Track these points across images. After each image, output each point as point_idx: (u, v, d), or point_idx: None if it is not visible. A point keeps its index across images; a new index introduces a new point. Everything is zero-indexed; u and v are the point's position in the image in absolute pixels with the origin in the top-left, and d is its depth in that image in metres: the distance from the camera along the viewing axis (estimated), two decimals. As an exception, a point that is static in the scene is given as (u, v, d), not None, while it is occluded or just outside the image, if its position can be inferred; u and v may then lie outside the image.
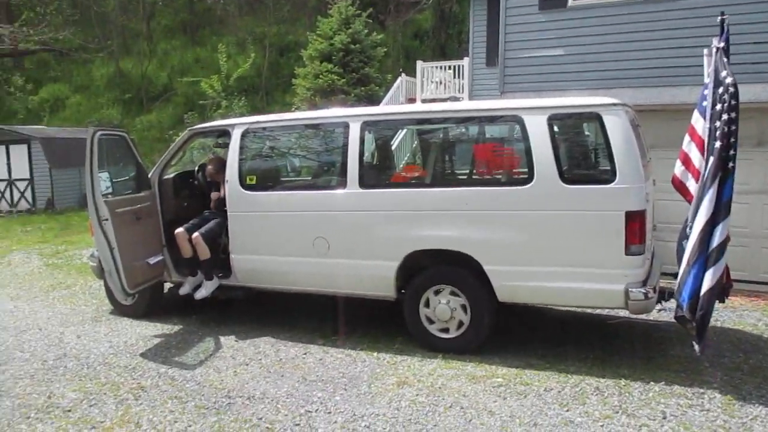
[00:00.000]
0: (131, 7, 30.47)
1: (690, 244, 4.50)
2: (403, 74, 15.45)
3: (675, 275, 5.63)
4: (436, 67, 15.40)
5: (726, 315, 6.56)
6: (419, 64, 15.16)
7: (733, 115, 4.37)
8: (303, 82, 16.58)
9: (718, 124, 4.44)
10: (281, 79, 24.70)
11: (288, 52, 26.79)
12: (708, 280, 4.36)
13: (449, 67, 15.10)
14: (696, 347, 4.55)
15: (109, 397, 4.63)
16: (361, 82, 16.17)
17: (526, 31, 8.92)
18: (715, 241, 4.38)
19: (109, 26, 29.67)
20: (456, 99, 14.30)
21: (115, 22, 29.30)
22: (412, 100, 15.09)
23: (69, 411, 4.41)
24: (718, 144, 4.39)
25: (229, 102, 20.06)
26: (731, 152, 4.36)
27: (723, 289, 5.32)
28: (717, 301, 5.43)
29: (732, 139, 4.37)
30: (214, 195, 6.60)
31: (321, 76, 15.86)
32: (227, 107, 19.76)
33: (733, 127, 4.38)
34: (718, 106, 4.48)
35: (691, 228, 4.55)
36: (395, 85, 15.22)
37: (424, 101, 14.48)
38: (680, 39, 7.90)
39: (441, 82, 15.05)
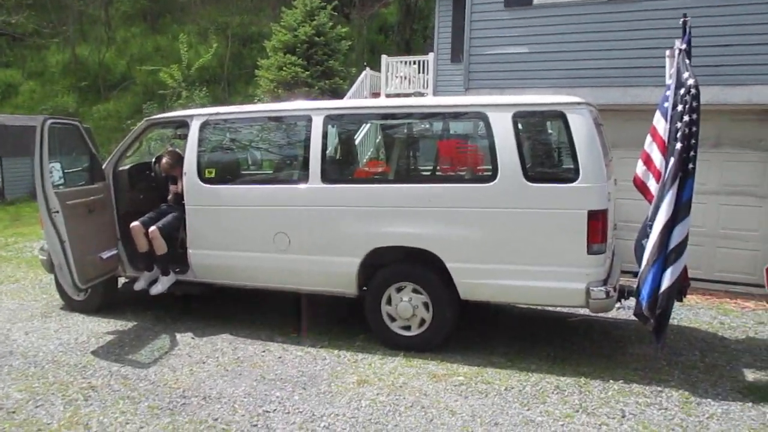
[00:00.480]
0: (89, -9, 29.55)
1: (650, 244, 4.53)
2: (367, 68, 15.33)
3: (635, 274, 5.69)
4: (401, 62, 15.30)
5: (683, 313, 6.67)
6: (384, 58, 15.05)
7: (694, 116, 4.41)
8: (266, 73, 16.34)
9: (679, 125, 4.48)
10: (244, 70, 24.31)
11: (251, 43, 26.38)
12: (667, 279, 4.40)
13: (414, 63, 15.02)
14: (657, 346, 4.60)
15: (57, 397, 4.44)
16: (325, 75, 16.01)
17: (492, 28, 8.91)
18: (674, 241, 4.42)
19: (65, 11, 28.66)
20: (421, 94, 14.26)
21: (72, 7, 28.34)
22: (376, 95, 14.98)
23: (13, 412, 4.21)
24: (678, 145, 4.42)
25: (190, 92, 19.66)
26: (691, 153, 4.40)
27: (681, 288, 5.41)
28: (676, 300, 5.53)
29: (692, 141, 4.40)
30: (172, 188, 6.40)
31: (284, 68, 15.65)
32: (188, 97, 19.36)
33: (694, 129, 4.42)
34: (680, 108, 4.52)
35: (651, 227, 4.58)
36: (360, 79, 15.09)
37: (388, 96, 14.38)
38: (643, 40, 7.98)
39: (405, 77, 14.97)
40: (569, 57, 8.50)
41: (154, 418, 4.12)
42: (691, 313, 6.71)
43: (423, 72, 14.83)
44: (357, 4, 26.07)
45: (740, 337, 5.92)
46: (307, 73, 15.64)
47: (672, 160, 4.46)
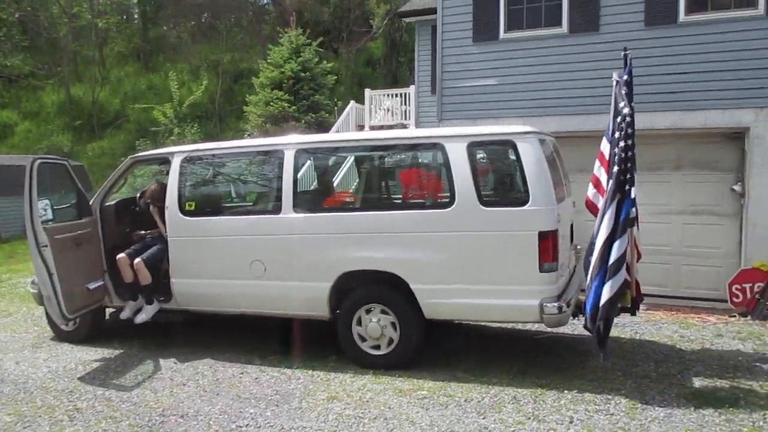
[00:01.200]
0: (83, 33, 30.27)
1: (593, 260, 4.86)
2: (352, 102, 15.83)
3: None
4: (384, 94, 15.83)
5: (646, 328, 6.98)
6: (367, 92, 15.57)
7: (629, 142, 4.79)
8: (254, 109, 16.82)
9: (616, 150, 4.86)
10: (235, 105, 24.87)
11: (242, 79, 27.02)
12: (606, 293, 4.73)
13: (396, 95, 15.53)
14: (601, 356, 4.93)
15: (44, 419, 4.74)
16: (311, 109, 16.48)
17: (462, 62, 9.38)
18: (614, 256, 4.76)
19: (60, 52, 29.39)
20: (404, 126, 14.72)
21: (67, 49, 29.07)
22: (361, 127, 15.45)
23: (2, 433, 4.51)
24: (616, 168, 4.80)
25: (182, 129, 20.15)
26: (627, 176, 4.77)
27: (634, 302, 5.74)
28: (629, 314, 5.87)
29: (628, 164, 4.78)
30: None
31: (272, 104, 16.13)
32: (180, 134, 19.85)
33: (630, 153, 4.80)
34: (617, 134, 4.91)
35: (594, 245, 4.93)
36: (345, 112, 15.57)
37: (372, 128, 14.85)
38: (602, 70, 8.40)
39: (389, 110, 15.46)
40: (535, 87, 8.95)
41: (134, 434, 4.43)
42: (654, 328, 7.01)
43: (405, 104, 15.33)
44: (345, 39, 26.80)
45: (696, 348, 6.22)
46: (293, 107, 16.12)
47: (611, 182, 4.83)
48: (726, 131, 8.12)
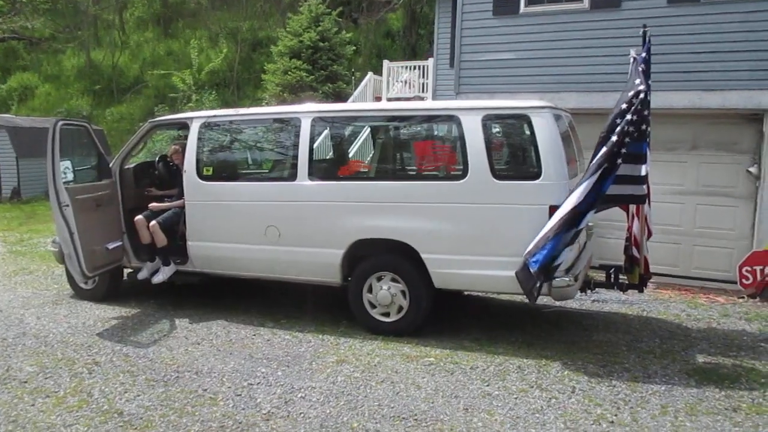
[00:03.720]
0: (104, -3, 30.35)
1: (555, 218, 4.89)
2: (370, 73, 15.80)
3: (603, 267, 6.11)
4: (403, 66, 15.76)
5: (653, 306, 7.04)
6: (385, 63, 15.52)
7: (635, 117, 4.81)
8: (272, 78, 16.85)
9: (619, 120, 4.88)
10: (253, 74, 24.82)
11: (260, 47, 26.93)
12: (563, 255, 4.90)
13: (415, 67, 15.46)
14: (529, 300, 5.22)
15: (64, 370, 4.93)
16: (329, 80, 16.48)
17: (481, 35, 9.33)
18: (582, 225, 4.85)
19: (80, 16, 29.47)
20: (421, 98, 14.70)
21: (87, 12, 29.12)
22: (378, 99, 15.44)
23: (25, 382, 4.71)
24: (614, 138, 4.81)
25: (200, 95, 20.24)
26: (622, 150, 4.78)
27: (642, 280, 5.81)
28: (637, 291, 5.95)
29: (627, 139, 4.80)
30: (152, 206, 6.74)
31: (290, 73, 16.14)
32: (198, 101, 19.94)
33: (632, 129, 4.81)
34: (624, 106, 4.93)
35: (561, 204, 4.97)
36: (363, 83, 15.55)
37: (389, 100, 14.83)
38: (623, 47, 8.31)
39: (407, 82, 15.42)
40: (555, 63, 8.90)
41: (150, 388, 4.60)
42: (662, 306, 7.07)
43: (423, 77, 15.27)
44: (364, 9, 26.56)
45: (702, 327, 6.29)
46: (311, 77, 16.12)
47: (603, 149, 4.84)
48: (744, 113, 8.05)
